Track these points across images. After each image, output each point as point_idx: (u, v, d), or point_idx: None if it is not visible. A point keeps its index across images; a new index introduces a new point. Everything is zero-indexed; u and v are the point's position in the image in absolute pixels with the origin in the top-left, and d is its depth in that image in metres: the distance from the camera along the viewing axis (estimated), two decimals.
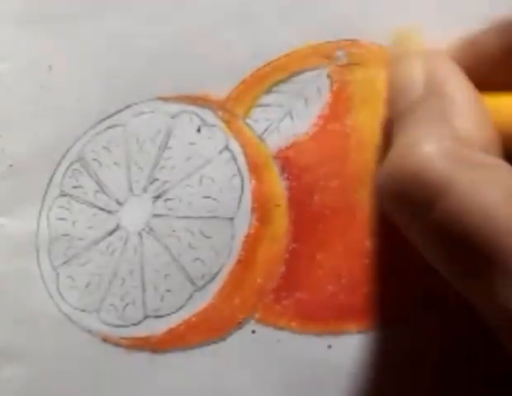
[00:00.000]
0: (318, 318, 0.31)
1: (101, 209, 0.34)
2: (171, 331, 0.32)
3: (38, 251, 0.34)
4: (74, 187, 0.35)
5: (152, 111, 0.35)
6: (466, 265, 0.18)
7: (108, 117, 0.35)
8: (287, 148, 0.33)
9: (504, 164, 0.19)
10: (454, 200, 0.18)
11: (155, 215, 0.33)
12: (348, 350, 0.30)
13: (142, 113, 0.35)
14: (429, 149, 0.19)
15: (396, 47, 0.22)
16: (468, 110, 0.20)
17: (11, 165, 0.36)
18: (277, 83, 0.34)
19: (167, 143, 0.34)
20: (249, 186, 0.33)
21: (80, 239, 0.34)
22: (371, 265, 0.30)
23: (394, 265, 0.30)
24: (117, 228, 0.34)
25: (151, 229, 0.33)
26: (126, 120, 0.35)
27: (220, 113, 0.34)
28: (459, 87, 0.20)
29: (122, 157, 0.35)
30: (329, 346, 0.30)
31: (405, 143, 0.20)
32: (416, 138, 0.19)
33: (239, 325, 0.32)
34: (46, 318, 0.34)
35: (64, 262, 0.34)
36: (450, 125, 0.19)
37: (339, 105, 0.33)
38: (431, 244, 0.19)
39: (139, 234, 0.33)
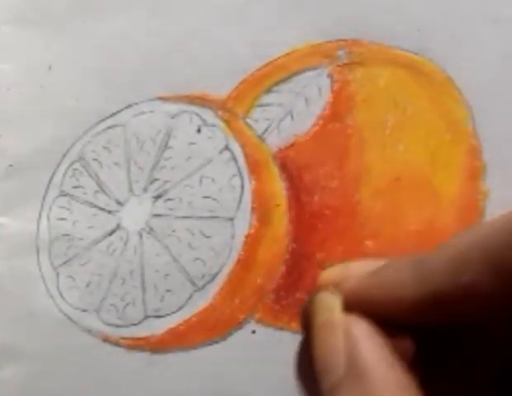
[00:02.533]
0: None
1: (102, 209, 0.34)
2: (171, 331, 0.32)
3: (38, 251, 0.34)
4: (74, 187, 0.35)
5: (152, 111, 0.35)
6: None
7: (108, 117, 0.35)
8: (287, 147, 0.33)
9: None
10: None
11: (155, 215, 0.33)
12: None
13: (142, 113, 0.35)
14: None
15: (316, 313, 0.23)
16: (390, 389, 0.21)
17: (11, 165, 0.36)
18: (277, 83, 0.34)
19: (167, 143, 0.34)
20: (249, 185, 0.33)
21: (80, 239, 0.34)
22: None
23: None
24: (117, 228, 0.34)
25: (151, 229, 0.33)
26: (126, 120, 0.35)
27: (220, 113, 0.34)
28: (380, 364, 0.21)
29: (122, 158, 0.35)
30: None
31: None
32: None
33: (239, 325, 0.32)
34: (46, 318, 0.34)
35: (65, 262, 0.34)
36: None
37: (340, 104, 0.33)
38: None
39: (140, 234, 0.33)
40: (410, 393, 0.20)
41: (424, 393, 0.20)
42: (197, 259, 0.32)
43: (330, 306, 0.23)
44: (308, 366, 0.23)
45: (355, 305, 0.22)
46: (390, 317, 0.22)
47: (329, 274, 0.24)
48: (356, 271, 0.24)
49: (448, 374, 0.22)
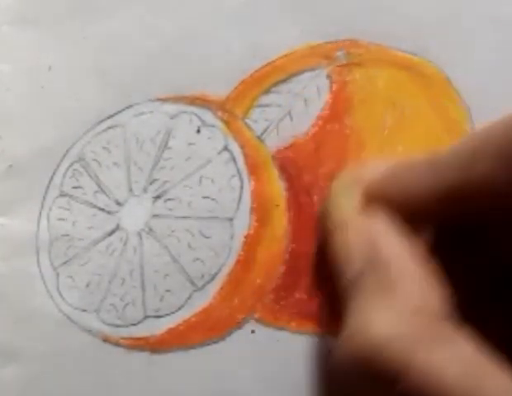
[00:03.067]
0: (317, 318, 0.31)
1: (101, 209, 0.34)
2: (171, 331, 0.32)
3: (38, 251, 0.34)
4: (74, 188, 0.35)
5: (151, 112, 0.35)
6: None
7: (108, 117, 0.35)
8: (287, 148, 0.33)
9: (460, 335, 0.19)
10: (413, 383, 0.18)
11: (155, 215, 0.33)
12: None
13: (142, 113, 0.35)
14: (381, 331, 0.19)
15: (334, 201, 0.23)
16: (410, 277, 0.20)
17: (11, 165, 0.36)
18: (276, 84, 0.34)
19: (166, 143, 0.34)
20: (249, 186, 0.33)
21: (80, 239, 0.34)
22: None
23: None
24: (117, 228, 0.34)
25: (151, 229, 0.33)
26: (126, 121, 0.35)
27: (220, 113, 0.34)
28: (399, 255, 0.21)
29: (122, 158, 0.35)
30: (330, 351, 0.30)
31: (355, 326, 0.20)
32: (366, 318, 0.20)
33: (239, 325, 0.32)
34: (46, 318, 0.34)
35: (64, 262, 0.34)
36: (396, 297, 0.20)
37: (339, 105, 0.33)
38: None
39: (139, 234, 0.33)
40: (428, 283, 0.20)
41: (440, 284, 0.20)
42: (197, 259, 0.32)
43: (350, 202, 0.23)
44: (324, 267, 0.22)
45: (373, 202, 0.22)
46: (408, 213, 0.21)
47: (345, 177, 0.24)
48: (371, 170, 0.23)
49: (456, 274, 0.21)
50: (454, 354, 0.18)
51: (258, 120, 0.34)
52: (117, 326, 0.33)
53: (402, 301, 0.19)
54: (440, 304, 0.19)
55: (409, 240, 0.21)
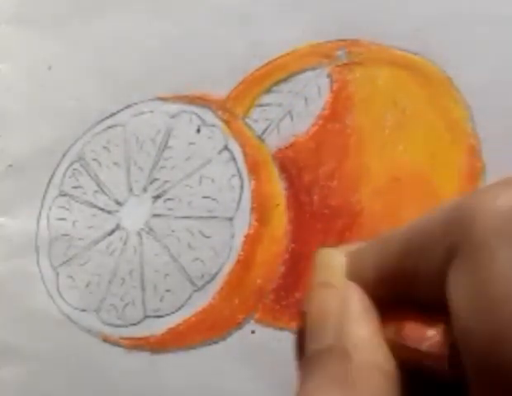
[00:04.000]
0: None
1: (101, 209, 0.34)
2: (170, 331, 0.32)
3: (38, 251, 0.34)
4: (74, 187, 0.35)
5: (151, 111, 0.35)
6: None
7: (108, 117, 0.35)
8: (287, 147, 0.33)
9: None
10: None
11: (155, 215, 0.33)
12: None
13: (142, 113, 0.35)
14: None
15: (318, 270, 0.24)
16: (370, 378, 0.21)
17: (11, 165, 0.36)
18: (276, 83, 0.34)
19: (166, 143, 0.34)
20: (249, 185, 0.33)
21: (80, 239, 0.34)
22: None
23: None
24: (117, 228, 0.34)
25: (151, 229, 0.33)
26: (126, 120, 0.35)
27: (220, 113, 0.34)
28: (364, 350, 0.21)
29: (122, 157, 0.35)
30: None
31: None
32: None
33: (239, 325, 0.32)
34: (46, 318, 0.34)
35: (64, 262, 0.34)
36: (348, 392, 0.20)
37: (339, 104, 0.33)
38: None
39: (139, 234, 0.33)
40: (389, 382, 0.20)
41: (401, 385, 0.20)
42: (197, 259, 0.32)
43: (334, 265, 0.23)
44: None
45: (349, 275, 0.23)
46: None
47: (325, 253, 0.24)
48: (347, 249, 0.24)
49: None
50: None
51: (258, 119, 0.33)
52: (117, 326, 0.33)
53: None
54: None
55: (380, 325, 0.22)
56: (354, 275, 0.23)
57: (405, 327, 0.21)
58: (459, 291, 0.19)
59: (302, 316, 0.23)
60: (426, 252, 0.20)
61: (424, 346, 0.20)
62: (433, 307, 0.20)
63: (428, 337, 0.20)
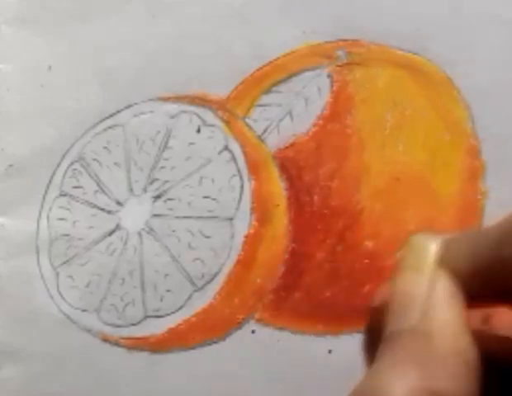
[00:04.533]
0: (317, 318, 0.31)
1: (101, 209, 0.34)
2: (171, 331, 0.32)
3: (38, 251, 0.34)
4: (74, 187, 0.35)
5: (152, 111, 0.35)
6: None
7: (108, 117, 0.35)
8: (287, 147, 0.33)
9: None
10: None
11: (155, 215, 0.33)
12: (347, 350, 0.30)
13: (142, 113, 0.35)
14: None
15: (409, 254, 0.23)
16: (450, 359, 0.21)
17: (11, 165, 0.36)
18: (276, 83, 0.34)
19: (167, 143, 0.34)
20: (249, 186, 0.33)
21: (80, 239, 0.34)
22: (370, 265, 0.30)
23: None
24: (117, 228, 0.34)
25: (151, 229, 0.33)
26: (126, 120, 0.35)
27: (220, 113, 0.34)
28: (450, 334, 0.21)
29: (122, 158, 0.35)
30: (330, 351, 0.30)
31: (372, 385, 0.20)
32: (388, 381, 0.20)
33: (239, 325, 0.32)
34: (46, 318, 0.34)
35: (64, 262, 0.34)
36: (427, 373, 0.20)
37: (339, 105, 0.33)
38: None
39: (139, 234, 0.33)
40: (470, 370, 0.20)
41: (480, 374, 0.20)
42: (197, 259, 0.32)
43: (426, 251, 0.23)
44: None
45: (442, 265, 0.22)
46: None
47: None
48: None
49: None
50: None
51: (258, 119, 0.33)
52: (117, 326, 0.33)
53: (430, 381, 0.19)
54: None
55: (467, 317, 0.21)
56: (446, 263, 0.22)
57: (494, 316, 0.21)
58: None
59: (371, 312, 0.23)
60: None
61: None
62: None
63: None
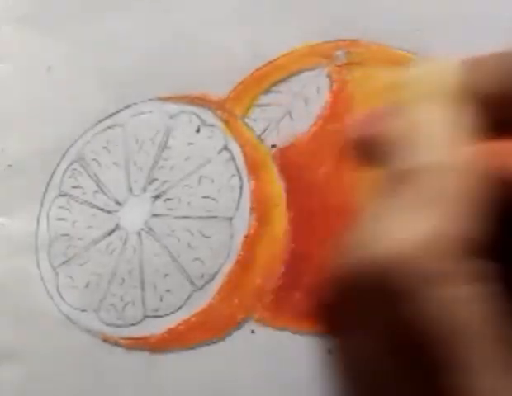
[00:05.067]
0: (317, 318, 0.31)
1: (101, 209, 0.34)
2: (170, 331, 0.32)
3: (38, 251, 0.34)
4: (74, 187, 0.35)
5: (151, 111, 0.35)
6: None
7: (107, 117, 0.35)
8: (287, 147, 0.33)
9: (480, 279, 0.18)
10: (422, 311, 0.17)
11: (154, 215, 0.33)
12: None
13: (141, 113, 0.35)
14: (408, 245, 0.17)
15: (420, 80, 0.20)
16: (456, 200, 0.18)
17: (11, 165, 0.36)
18: (276, 83, 0.34)
19: (166, 143, 0.34)
20: (248, 186, 0.33)
21: (79, 239, 0.34)
22: None
23: None
24: (116, 227, 0.34)
25: (150, 229, 0.33)
26: (126, 120, 0.35)
27: (220, 113, 0.34)
28: (472, 158, 0.18)
29: (121, 158, 0.35)
30: (330, 351, 0.30)
31: (375, 231, 0.18)
32: (389, 229, 0.18)
33: (239, 325, 0.32)
34: (46, 318, 0.34)
35: (64, 262, 0.34)
36: (435, 215, 0.18)
37: (339, 104, 0.33)
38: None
39: (139, 234, 0.33)
40: (475, 211, 0.18)
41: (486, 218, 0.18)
42: (196, 259, 0.32)
43: (443, 76, 0.20)
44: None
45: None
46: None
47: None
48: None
49: None
50: (476, 297, 0.16)
51: (257, 119, 0.33)
52: (117, 326, 0.33)
53: (439, 223, 0.17)
54: (478, 238, 0.18)
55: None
56: (470, 90, 0.19)
57: None
58: None
59: (356, 143, 0.20)
60: None
61: None
62: None
63: None
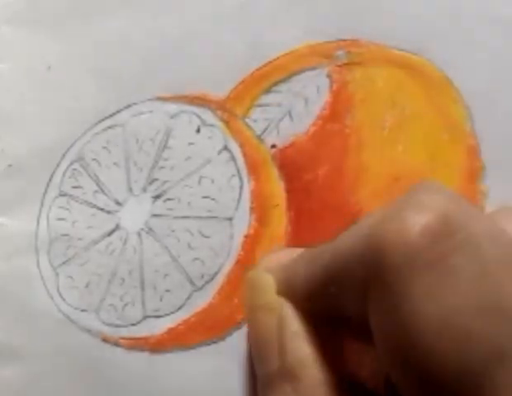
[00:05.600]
0: None
1: (101, 209, 0.34)
2: (170, 331, 0.32)
3: (37, 251, 0.34)
4: (74, 187, 0.35)
5: (151, 111, 0.35)
6: None
7: (107, 117, 0.35)
8: (286, 147, 0.33)
9: None
10: None
11: (154, 215, 0.33)
12: None
13: (141, 113, 0.35)
14: None
15: (250, 294, 0.23)
16: (315, 385, 0.21)
17: (10, 165, 0.36)
18: (276, 83, 0.34)
19: (166, 143, 0.34)
20: (248, 186, 0.33)
21: (80, 239, 0.34)
22: None
23: None
24: (117, 228, 0.34)
25: (150, 229, 0.33)
26: (126, 120, 0.35)
27: (220, 113, 0.34)
28: (311, 367, 0.21)
29: (121, 158, 0.35)
30: None
31: None
32: None
33: (239, 325, 0.32)
34: (46, 318, 0.34)
35: (64, 262, 0.34)
36: None
37: (339, 104, 0.33)
38: None
39: (139, 234, 0.33)
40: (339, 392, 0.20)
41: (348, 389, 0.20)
42: (196, 259, 0.32)
43: (265, 287, 0.23)
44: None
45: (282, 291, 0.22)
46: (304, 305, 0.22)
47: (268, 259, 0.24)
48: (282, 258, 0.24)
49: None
50: None
51: (257, 119, 0.34)
52: (117, 326, 0.33)
53: None
54: None
55: (317, 335, 0.21)
56: (286, 290, 0.22)
57: (344, 350, 0.21)
58: (377, 322, 0.19)
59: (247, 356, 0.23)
60: (347, 277, 0.20)
61: (364, 372, 0.20)
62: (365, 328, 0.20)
63: (365, 363, 0.20)
